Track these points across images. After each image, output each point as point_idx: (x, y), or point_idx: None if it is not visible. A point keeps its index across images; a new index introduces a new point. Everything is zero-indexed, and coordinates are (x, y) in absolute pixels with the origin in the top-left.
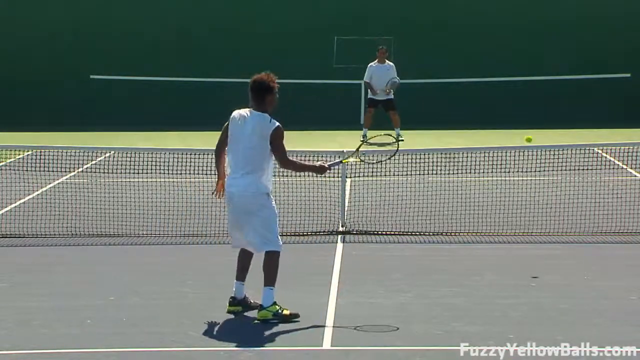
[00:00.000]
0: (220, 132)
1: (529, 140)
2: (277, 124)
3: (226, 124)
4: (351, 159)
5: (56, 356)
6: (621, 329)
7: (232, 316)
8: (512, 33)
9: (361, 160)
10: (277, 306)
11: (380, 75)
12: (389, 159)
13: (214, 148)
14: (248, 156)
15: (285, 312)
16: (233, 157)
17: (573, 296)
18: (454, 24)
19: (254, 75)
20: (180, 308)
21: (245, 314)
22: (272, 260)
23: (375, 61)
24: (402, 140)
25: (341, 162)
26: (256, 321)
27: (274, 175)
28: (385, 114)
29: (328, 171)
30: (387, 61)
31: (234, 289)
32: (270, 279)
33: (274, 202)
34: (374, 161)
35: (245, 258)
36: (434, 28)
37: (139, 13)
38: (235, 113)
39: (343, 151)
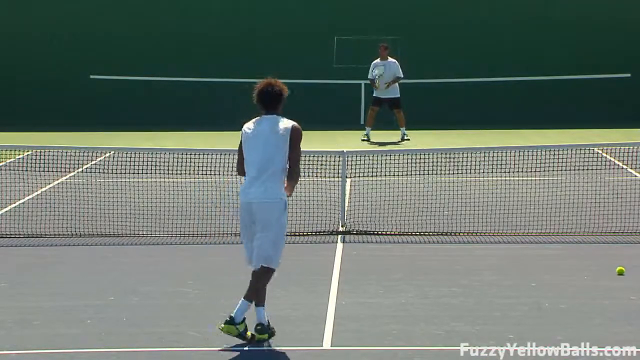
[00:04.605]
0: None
1: (620, 272)
2: (295, 122)
3: (240, 142)
4: None
5: (56, 356)
6: (621, 329)
7: None
8: (512, 33)
9: None
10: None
11: (384, 71)
12: None
13: (236, 165)
14: (268, 159)
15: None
16: (251, 165)
17: (573, 296)
18: (454, 24)
19: (262, 82)
20: (180, 308)
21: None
22: (266, 277)
23: (378, 59)
24: (409, 139)
25: None
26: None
27: None
28: (390, 114)
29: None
30: (389, 57)
31: (237, 307)
32: (262, 298)
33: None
34: None
35: None
36: (434, 28)
37: (139, 13)
38: (245, 125)
39: (343, 151)
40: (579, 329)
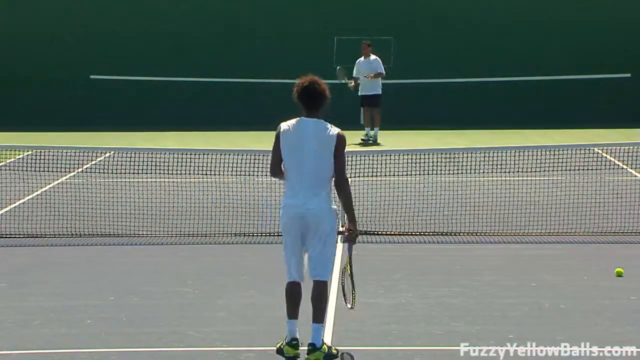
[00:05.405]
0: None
1: (619, 273)
2: (339, 129)
3: (275, 141)
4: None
5: (56, 356)
6: (621, 329)
7: (231, 316)
8: (511, 33)
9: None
10: (325, 345)
11: (365, 69)
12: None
13: (269, 168)
14: (315, 167)
15: (334, 350)
16: (295, 172)
17: (573, 296)
18: (453, 23)
19: (305, 78)
20: (180, 308)
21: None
22: (323, 291)
23: (362, 57)
24: (371, 141)
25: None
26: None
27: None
28: (382, 112)
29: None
30: (371, 55)
31: (288, 328)
32: (322, 314)
33: None
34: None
35: (298, 293)
36: (434, 28)
37: (139, 13)
38: (285, 125)
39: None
40: (579, 329)
